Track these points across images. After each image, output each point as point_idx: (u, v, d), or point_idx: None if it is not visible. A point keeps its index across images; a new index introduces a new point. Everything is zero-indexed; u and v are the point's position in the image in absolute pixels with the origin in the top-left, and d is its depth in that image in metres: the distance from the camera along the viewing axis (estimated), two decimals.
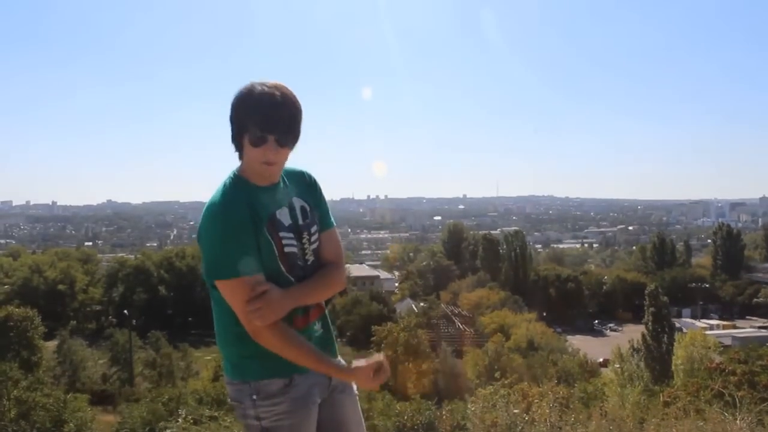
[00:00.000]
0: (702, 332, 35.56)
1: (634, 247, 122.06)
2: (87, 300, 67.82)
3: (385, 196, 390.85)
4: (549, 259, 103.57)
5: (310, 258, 2.51)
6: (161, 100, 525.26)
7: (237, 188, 2.41)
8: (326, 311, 2.65)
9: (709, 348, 29.72)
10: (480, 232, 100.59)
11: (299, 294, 2.43)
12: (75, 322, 61.95)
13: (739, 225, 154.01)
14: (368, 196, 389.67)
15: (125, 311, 52.59)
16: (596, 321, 70.81)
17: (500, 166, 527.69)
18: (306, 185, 2.60)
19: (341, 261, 2.64)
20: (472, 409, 5.63)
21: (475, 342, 45.18)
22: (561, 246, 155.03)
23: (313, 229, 2.53)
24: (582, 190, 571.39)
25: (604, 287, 75.89)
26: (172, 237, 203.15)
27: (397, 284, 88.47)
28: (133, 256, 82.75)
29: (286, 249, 2.41)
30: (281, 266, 2.39)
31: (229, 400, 2.55)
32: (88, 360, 41.51)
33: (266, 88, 2.32)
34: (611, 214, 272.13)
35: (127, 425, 17.77)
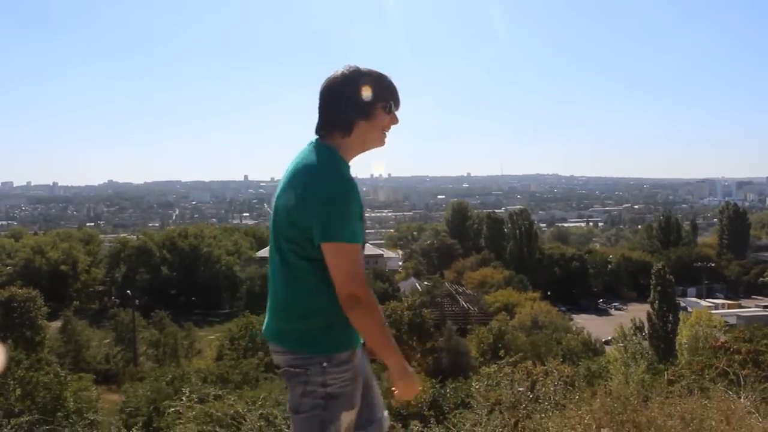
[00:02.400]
0: (707, 311, 35.62)
1: (639, 226, 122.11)
2: (89, 280, 68.11)
3: (389, 174, 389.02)
4: (554, 238, 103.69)
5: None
6: (162, 80, 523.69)
7: (346, 166, 2.58)
8: None
9: (714, 327, 29.78)
10: (484, 211, 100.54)
11: None
12: (78, 302, 62.40)
13: (746, 204, 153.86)
14: (371, 175, 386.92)
15: (128, 291, 52.78)
16: (601, 300, 70.90)
17: (505, 145, 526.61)
18: None
19: None
20: (476, 387, 5.65)
21: (479, 320, 45.32)
22: (566, 225, 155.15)
23: None
24: (587, 169, 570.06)
25: (609, 266, 75.89)
26: (174, 217, 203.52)
27: (400, 263, 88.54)
28: (135, 237, 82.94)
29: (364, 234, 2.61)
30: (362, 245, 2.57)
31: (281, 368, 2.61)
32: (92, 340, 41.78)
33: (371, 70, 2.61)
34: (617, 192, 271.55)
35: (131, 404, 17.95)
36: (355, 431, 2.66)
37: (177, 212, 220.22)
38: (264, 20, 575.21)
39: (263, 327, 2.70)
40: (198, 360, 36.21)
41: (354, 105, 2.54)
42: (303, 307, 2.52)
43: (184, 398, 5.51)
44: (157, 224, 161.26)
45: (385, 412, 2.83)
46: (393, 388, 2.61)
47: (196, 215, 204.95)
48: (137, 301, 51.09)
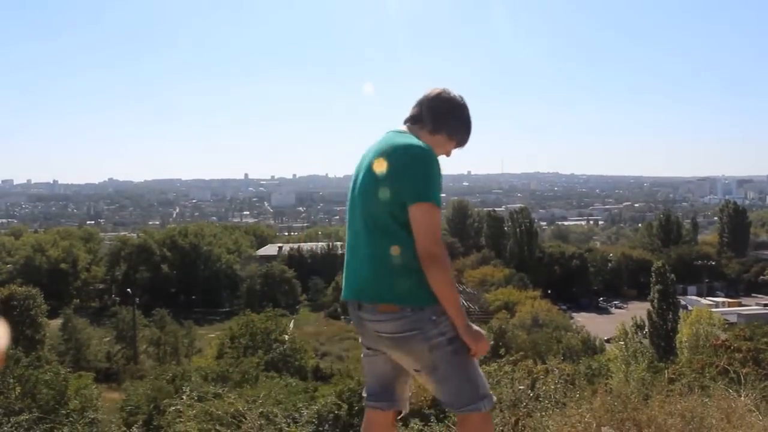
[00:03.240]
0: (707, 310, 35.58)
1: (639, 225, 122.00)
2: (90, 279, 68.19)
3: None
4: (554, 237, 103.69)
5: None
6: (163, 78, 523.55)
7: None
8: None
9: (715, 325, 29.76)
10: (484, 209, 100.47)
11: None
12: (78, 300, 62.41)
13: (746, 202, 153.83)
14: None
15: (128, 289, 52.81)
16: (601, 298, 70.89)
17: (505, 143, 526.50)
18: None
19: None
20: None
21: (479, 319, 45.25)
22: (566, 223, 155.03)
23: None
24: (587, 167, 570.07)
25: (610, 264, 75.87)
26: (174, 215, 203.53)
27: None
28: (135, 235, 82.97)
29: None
30: None
31: (396, 335, 2.76)
32: (92, 338, 41.79)
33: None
34: (617, 191, 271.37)
35: (131, 402, 17.93)
36: (383, 402, 3.05)
37: (177, 210, 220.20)
38: (265, 19, 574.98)
39: (353, 296, 2.87)
40: (198, 358, 36.20)
41: (449, 124, 2.97)
42: (407, 266, 2.72)
43: (184, 397, 5.52)
44: (158, 222, 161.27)
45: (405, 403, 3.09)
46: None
47: (197, 213, 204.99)
48: (137, 299, 51.06)
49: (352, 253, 2.91)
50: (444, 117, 2.96)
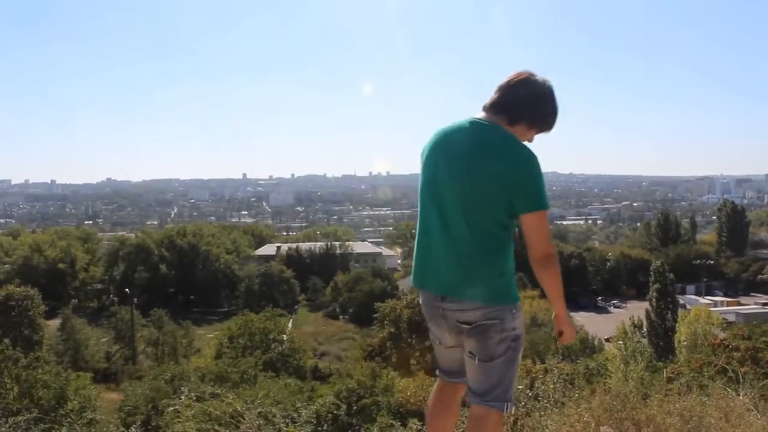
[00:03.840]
0: (706, 309, 35.56)
1: (638, 224, 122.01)
2: (88, 279, 68.07)
3: (387, 172, 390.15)
4: (552, 236, 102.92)
5: None
6: (161, 78, 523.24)
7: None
8: None
9: (713, 324, 29.77)
10: None
11: None
12: (76, 300, 62.31)
13: (745, 201, 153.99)
14: (370, 173, 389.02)
15: (127, 290, 52.77)
16: (600, 298, 70.90)
17: None
18: None
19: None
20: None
21: None
22: (565, 222, 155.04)
23: None
24: (586, 166, 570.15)
25: (608, 264, 75.87)
26: (172, 215, 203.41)
27: (399, 261, 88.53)
28: (133, 235, 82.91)
29: None
30: None
31: (476, 323, 2.91)
32: (90, 338, 41.74)
33: (556, 95, 2.93)
34: (615, 190, 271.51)
35: (130, 402, 17.93)
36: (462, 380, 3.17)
37: (175, 210, 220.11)
38: (261, 20, 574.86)
39: (440, 291, 2.97)
40: (197, 358, 36.18)
41: (529, 112, 2.88)
42: (500, 267, 2.89)
43: (182, 397, 5.51)
44: (156, 222, 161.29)
45: None
46: (559, 332, 3.12)
47: (195, 213, 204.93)
48: (136, 299, 51.07)
49: (434, 244, 2.94)
50: (523, 107, 2.88)
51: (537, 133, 2.95)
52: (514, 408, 3.06)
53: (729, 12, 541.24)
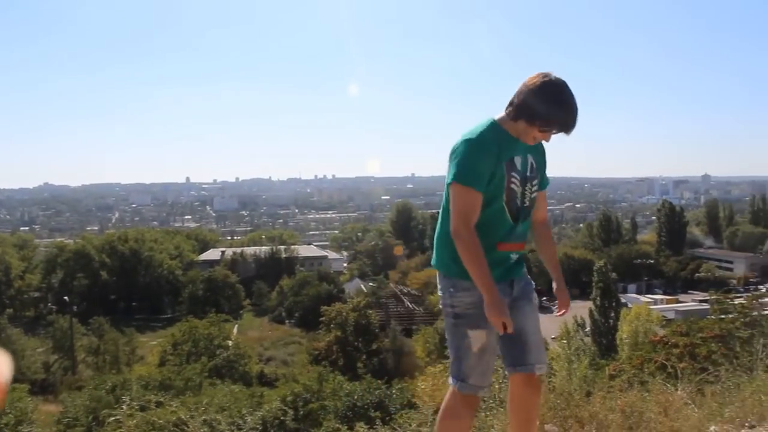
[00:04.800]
0: (646, 307, 36.52)
1: (581, 225, 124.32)
2: (24, 287, 66.05)
3: (333, 175, 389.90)
4: None
5: (527, 203, 3.15)
6: (100, 79, 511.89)
7: (492, 131, 3.05)
8: (523, 250, 3.28)
9: (653, 322, 30.57)
10: (429, 211, 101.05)
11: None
12: (11, 310, 60.43)
13: (682, 202, 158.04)
14: (315, 176, 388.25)
15: (65, 297, 51.46)
16: (544, 298, 71.51)
17: (449, 144, 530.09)
18: (540, 151, 3.22)
19: (547, 218, 3.48)
20: (422, 387, 5.69)
21: (424, 321, 45.63)
22: None
23: (534, 182, 3.17)
24: None
25: None
26: (113, 220, 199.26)
27: (345, 264, 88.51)
28: (72, 241, 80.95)
29: (511, 185, 3.06)
30: (503, 195, 3.05)
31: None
32: (27, 349, 40.54)
33: (568, 94, 2.97)
34: (559, 192, 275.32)
35: (69, 414, 17.49)
36: (507, 367, 3.22)
37: (116, 215, 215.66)
38: (204, 22, 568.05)
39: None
40: (140, 366, 35.54)
41: (526, 107, 2.98)
42: (447, 235, 3.06)
43: (124, 406, 5.39)
44: (96, 228, 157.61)
45: (543, 363, 3.21)
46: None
47: (137, 218, 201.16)
48: (75, 307, 49.86)
49: None
50: (523, 104, 2.98)
51: (543, 131, 3.02)
52: (473, 389, 3.10)
53: (666, 15, 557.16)
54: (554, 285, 3.48)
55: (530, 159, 3.14)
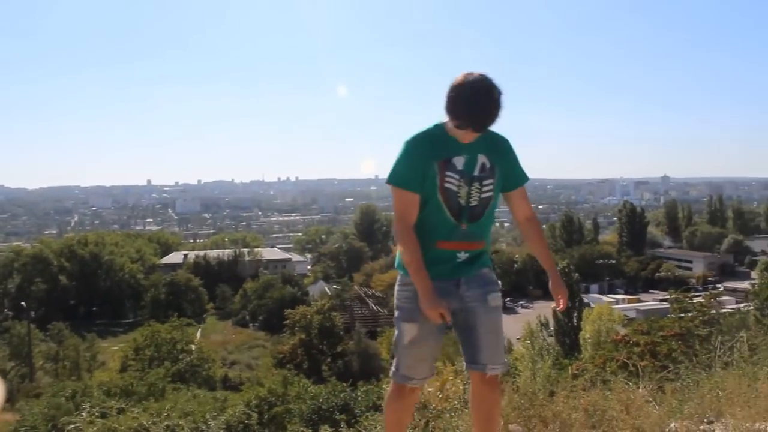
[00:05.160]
0: (608, 306, 37.00)
1: (544, 226, 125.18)
2: None
3: (296, 178, 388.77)
4: None
5: (475, 202, 3.16)
6: (56, 76, 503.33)
7: (429, 133, 3.15)
8: (482, 249, 3.29)
9: (615, 321, 31.00)
10: (392, 214, 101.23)
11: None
12: None
13: (643, 203, 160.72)
14: (278, 178, 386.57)
15: (23, 303, 50.47)
16: (508, 299, 72.47)
17: None
18: (498, 150, 3.24)
19: (534, 213, 3.45)
20: (387, 389, 5.69)
21: (389, 323, 45.57)
22: None
23: (487, 182, 3.17)
24: None
25: (516, 265, 77.67)
26: (72, 223, 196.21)
27: (309, 267, 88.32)
28: (29, 245, 79.49)
29: (446, 185, 3.11)
30: (439, 195, 3.11)
31: None
32: None
33: (480, 92, 2.97)
34: None
35: (27, 423, 17.12)
36: (465, 365, 3.29)
37: (76, 219, 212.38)
38: (167, 14, 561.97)
39: None
40: (101, 372, 35.03)
41: (445, 106, 3.07)
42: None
43: (84, 413, 5.31)
44: (54, 232, 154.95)
45: (496, 364, 3.21)
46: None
47: (97, 222, 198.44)
48: (33, 313, 48.89)
49: None
50: (445, 104, 3.06)
51: (462, 128, 3.06)
52: (404, 380, 3.23)
53: (625, 16, 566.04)
54: (549, 281, 3.51)
55: (481, 159, 3.16)
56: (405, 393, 3.30)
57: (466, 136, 3.09)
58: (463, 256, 3.21)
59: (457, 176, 3.11)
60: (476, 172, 3.15)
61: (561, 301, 3.37)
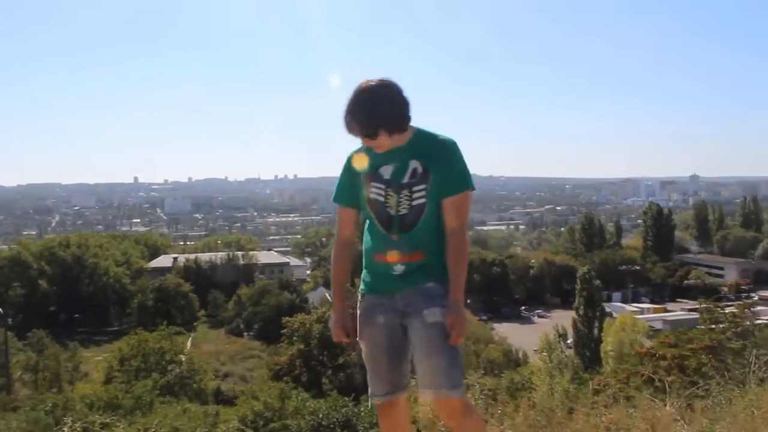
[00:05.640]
0: (632, 316, 36.98)
1: (562, 229, 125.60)
2: None
3: (295, 175, 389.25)
4: (473, 242, 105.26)
5: (404, 210, 3.17)
6: (38, 67, 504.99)
7: (362, 146, 3.22)
8: (424, 261, 3.19)
9: (640, 333, 30.98)
10: None
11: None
12: None
13: (670, 204, 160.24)
14: (276, 176, 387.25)
15: None
16: (523, 307, 72.51)
17: None
18: (433, 153, 3.17)
19: (462, 226, 3.20)
20: None
21: None
22: (485, 228, 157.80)
23: (418, 188, 3.15)
24: (507, 169, 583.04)
25: (532, 271, 77.62)
26: (53, 224, 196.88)
27: (308, 272, 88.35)
28: (6, 247, 79.81)
29: (371, 196, 3.20)
30: (367, 207, 3.24)
31: None
32: None
33: (353, 94, 3.06)
34: (538, 193, 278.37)
35: None
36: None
37: (57, 219, 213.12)
38: (156, 5, 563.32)
39: None
40: (84, 384, 35.10)
41: None
42: None
43: (66, 429, 5.33)
44: (34, 233, 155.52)
45: (434, 389, 3.08)
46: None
47: (80, 222, 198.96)
48: (10, 319, 49.07)
49: None
50: None
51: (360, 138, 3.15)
52: (371, 399, 3.35)
53: (660, 13, 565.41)
54: None
55: (413, 164, 3.16)
56: (381, 410, 3.37)
57: (380, 145, 3.13)
58: (399, 268, 3.20)
59: (383, 186, 3.18)
60: (406, 179, 3.16)
61: (453, 334, 3.03)
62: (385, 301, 3.23)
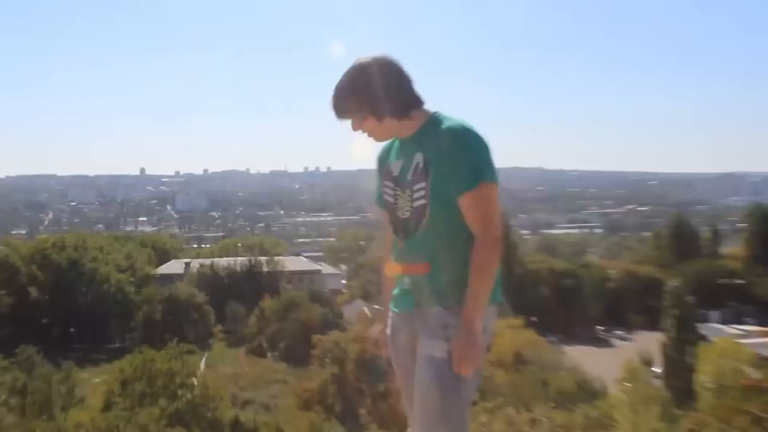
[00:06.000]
0: (734, 341, 36.35)
1: (647, 233, 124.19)
2: None
3: (328, 168, 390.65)
4: (539, 249, 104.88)
5: (407, 213, 3.15)
6: (30, 50, 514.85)
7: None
8: (430, 275, 3.11)
9: (744, 361, 30.42)
10: None
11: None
12: None
13: None
14: (306, 168, 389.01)
15: None
16: (600, 327, 71.92)
17: None
18: (436, 143, 3.07)
19: (487, 230, 3.04)
20: None
21: None
22: (554, 232, 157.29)
23: (419, 186, 3.09)
24: (580, 161, 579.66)
25: (610, 284, 76.98)
26: (47, 222, 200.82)
27: (344, 281, 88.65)
28: None
29: (384, 197, 3.29)
30: (385, 210, 3.30)
31: None
32: None
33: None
34: (617, 191, 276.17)
35: None
36: None
37: (51, 216, 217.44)
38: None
39: None
40: (79, 411, 35.65)
41: None
42: None
43: None
44: (24, 231, 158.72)
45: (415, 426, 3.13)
46: None
47: (77, 220, 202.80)
48: None
49: None
50: None
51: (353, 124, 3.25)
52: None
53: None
54: None
55: (417, 158, 3.12)
56: None
57: (372, 133, 3.22)
58: (406, 282, 3.22)
59: (392, 184, 3.24)
60: (410, 176, 3.15)
61: (455, 364, 2.96)
62: (404, 319, 3.27)
